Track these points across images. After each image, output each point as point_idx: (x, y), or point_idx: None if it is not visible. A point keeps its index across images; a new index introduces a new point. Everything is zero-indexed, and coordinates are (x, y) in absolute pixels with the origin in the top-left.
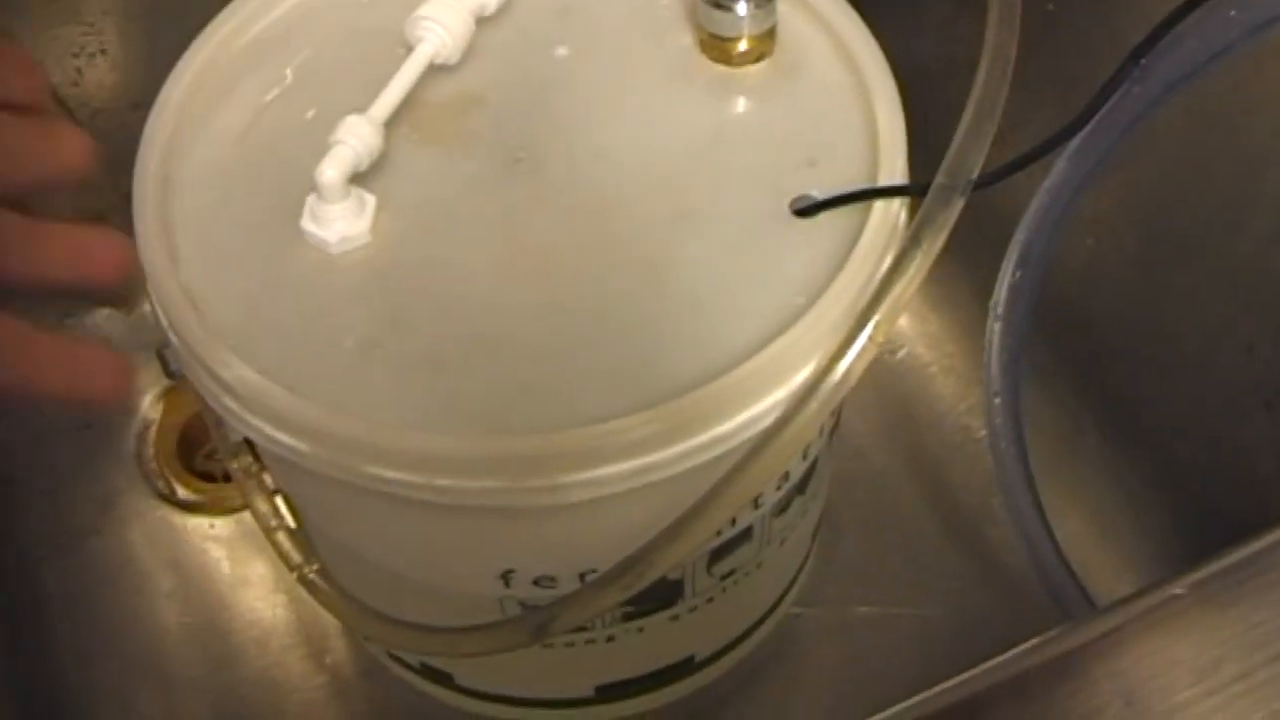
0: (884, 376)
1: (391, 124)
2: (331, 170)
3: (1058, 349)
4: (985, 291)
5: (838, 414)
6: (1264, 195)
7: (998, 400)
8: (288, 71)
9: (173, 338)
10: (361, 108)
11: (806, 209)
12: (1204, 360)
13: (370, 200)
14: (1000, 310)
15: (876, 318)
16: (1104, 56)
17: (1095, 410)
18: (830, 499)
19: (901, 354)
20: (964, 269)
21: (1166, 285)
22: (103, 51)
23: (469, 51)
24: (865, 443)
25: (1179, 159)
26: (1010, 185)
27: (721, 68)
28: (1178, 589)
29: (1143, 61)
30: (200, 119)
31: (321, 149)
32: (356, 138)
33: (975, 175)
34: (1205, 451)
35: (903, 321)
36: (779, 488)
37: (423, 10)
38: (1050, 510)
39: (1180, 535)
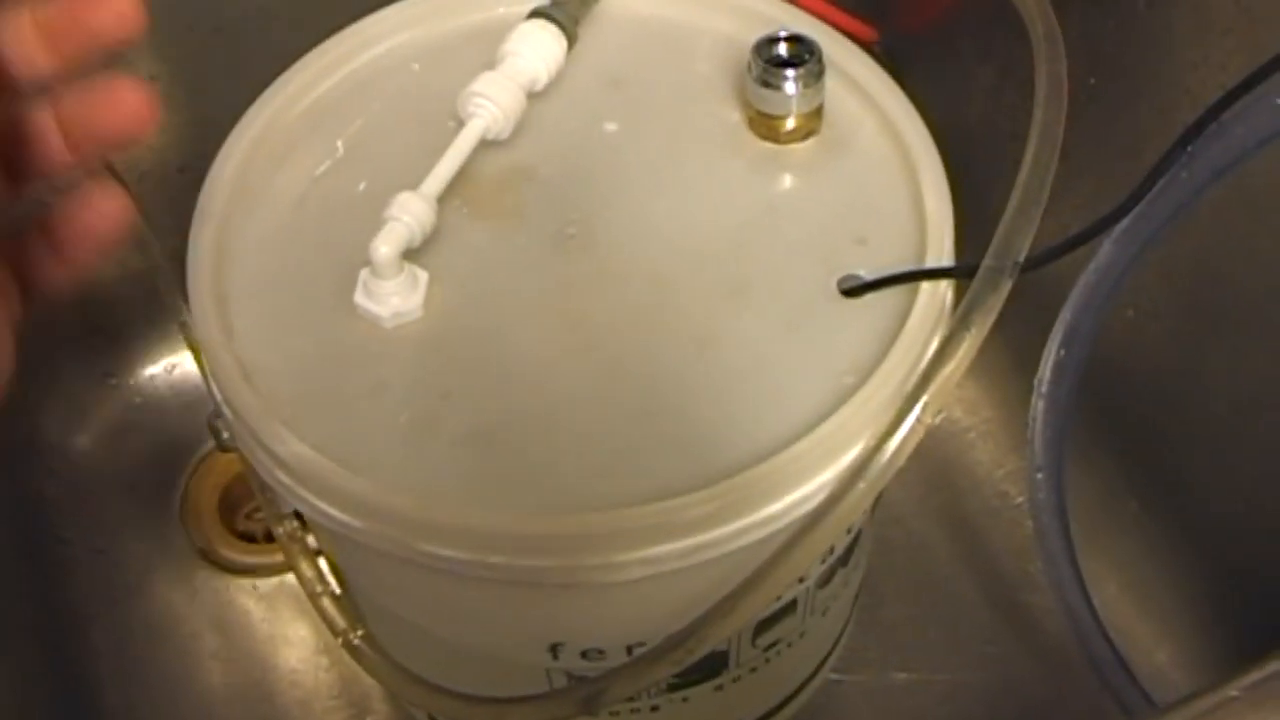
0: (922, 442)
1: (444, 199)
2: (385, 247)
3: (1097, 416)
4: (1023, 357)
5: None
6: None
7: (1040, 475)
8: (339, 144)
9: (226, 410)
10: (413, 182)
11: (855, 289)
12: (1241, 431)
13: (423, 276)
14: (1045, 388)
15: (924, 399)
16: (1147, 132)
17: (1134, 478)
18: (869, 565)
19: (939, 419)
20: (1001, 335)
21: (1205, 357)
22: None
23: (520, 126)
24: (904, 509)
25: (1221, 236)
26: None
27: (769, 144)
28: (1233, 690)
29: (1190, 149)
30: (255, 190)
31: (374, 223)
32: (410, 214)
33: (1022, 258)
34: (1243, 521)
35: None
36: (823, 561)
37: (476, 86)
38: (1089, 576)
39: (1218, 604)
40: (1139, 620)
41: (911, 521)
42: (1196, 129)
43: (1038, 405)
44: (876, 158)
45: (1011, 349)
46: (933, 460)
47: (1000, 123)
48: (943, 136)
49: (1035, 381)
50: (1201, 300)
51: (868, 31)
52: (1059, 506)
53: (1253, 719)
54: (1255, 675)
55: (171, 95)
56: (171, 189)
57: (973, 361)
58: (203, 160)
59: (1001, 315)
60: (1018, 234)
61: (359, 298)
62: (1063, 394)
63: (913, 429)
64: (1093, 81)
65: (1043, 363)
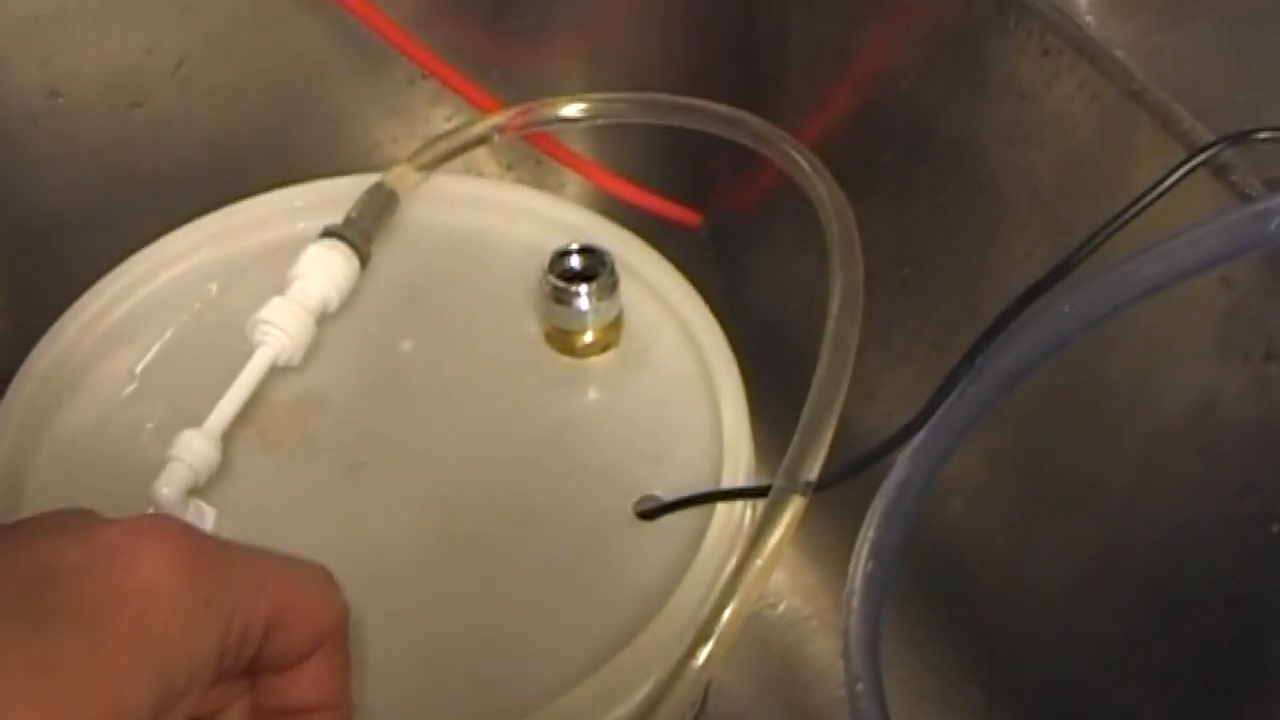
0: (763, 632)
1: (236, 429)
2: (167, 488)
3: (935, 607)
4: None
5: (704, 697)
6: (1122, 460)
7: (860, 687)
8: (137, 370)
9: None
10: (205, 412)
11: (648, 512)
12: (1075, 614)
13: (210, 513)
14: (856, 602)
15: (716, 633)
16: (956, 323)
17: (976, 666)
18: None
19: (781, 609)
20: (836, 519)
21: (1034, 541)
22: None
23: (314, 349)
24: (747, 703)
25: (1036, 427)
26: (878, 427)
27: (568, 359)
28: None
29: (977, 362)
30: (46, 422)
31: (163, 460)
32: (193, 454)
33: (814, 476)
34: (1085, 701)
35: (780, 576)
36: None
37: (263, 314)
38: None
39: None
40: None
41: (754, 717)
42: (983, 341)
43: (850, 620)
44: (675, 371)
45: (848, 534)
46: (774, 651)
47: (822, 308)
48: (768, 320)
49: (845, 595)
50: (1025, 487)
51: (692, 216)
52: (883, 717)
53: None
54: None
55: None
56: None
57: (811, 548)
58: None
59: (836, 499)
60: (808, 453)
61: None
62: (873, 607)
63: (705, 662)
64: (906, 272)
65: (850, 576)
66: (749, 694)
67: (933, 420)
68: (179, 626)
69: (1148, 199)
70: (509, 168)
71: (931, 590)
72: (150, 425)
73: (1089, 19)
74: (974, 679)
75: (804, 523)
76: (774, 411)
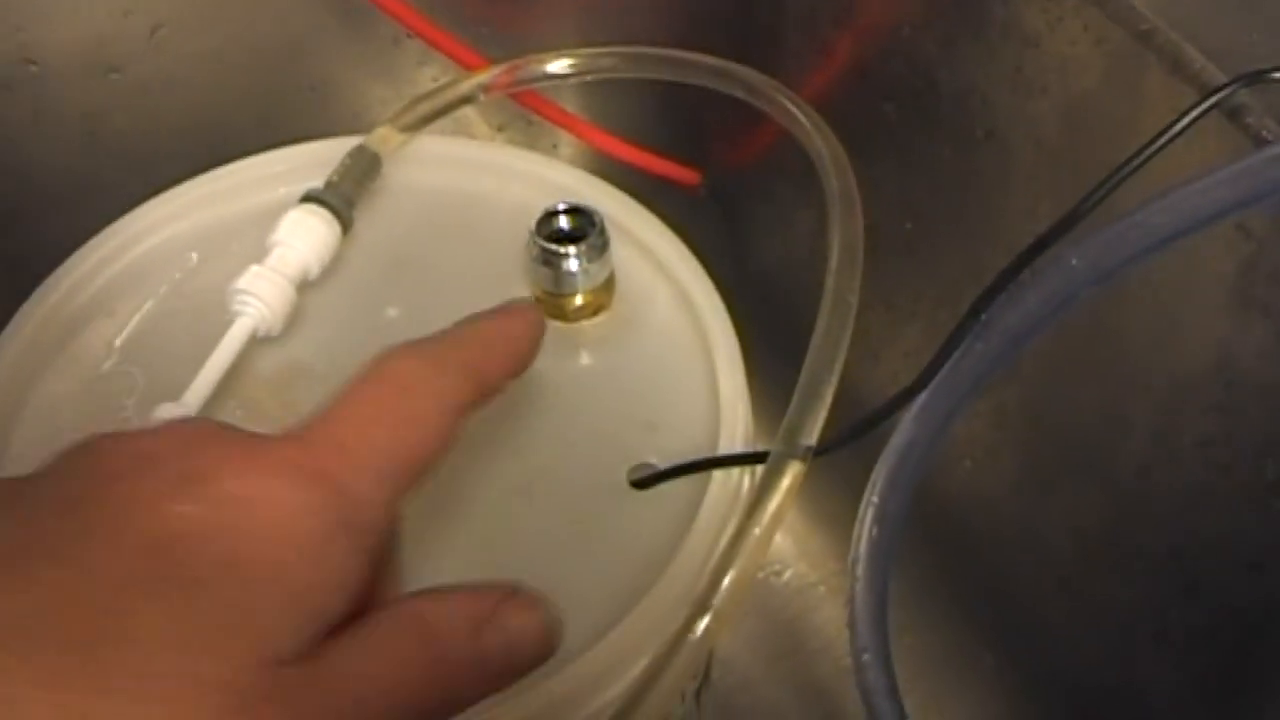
0: (770, 600)
1: (218, 401)
2: None
3: (943, 573)
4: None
5: (707, 668)
6: (1135, 420)
7: (867, 656)
8: (116, 343)
9: None
10: (185, 385)
11: (643, 481)
12: (1088, 580)
13: None
14: (860, 569)
15: (715, 604)
16: (961, 280)
17: (987, 631)
18: None
19: (787, 575)
20: (844, 480)
21: (1045, 502)
22: None
23: (297, 317)
24: (752, 673)
25: (1046, 386)
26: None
27: (559, 323)
28: None
29: (983, 317)
30: (28, 389)
31: None
32: None
33: (814, 441)
34: (1100, 669)
35: (785, 541)
36: None
37: (240, 283)
38: None
39: None
40: None
41: (762, 688)
42: (987, 296)
43: (855, 588)
44: (669, 333)
45: (852, 495)
46: (780, 619)
47: (825, 265)
48: (770, 279)
49: (849, 562)
50: (1035, 447)
51: (691, 175)
52: (890, 687)
53: None
54: None
55: None
56: None
57: (815, 514)
58: None
59: (843, 460)
60: (807, 416)
61: None
62: (878, 574)
63: (704, 635)
64: (909, 227)
65: (854, 543)
66: (754, 664)
67: (936, 380)
68: (321, 569)
69: (1157, 145)
70: (500, 129)
71: (941, 555)
72: (130, 400)
73: None
74: (986, 646)
75: (807, 486)
76: (777, 372)
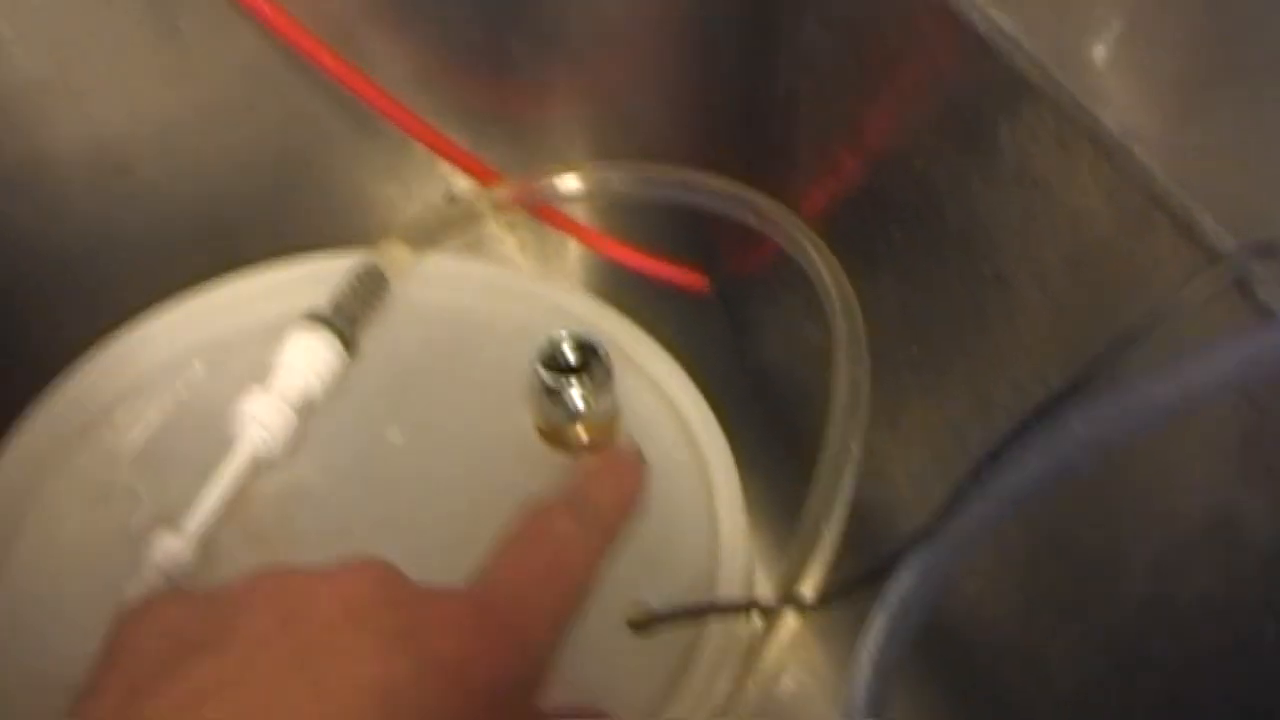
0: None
1: (219, 523)
2: (135, 594)
3: (943, 693)
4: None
5: None
6: (1133, 569)
7: None
8: (119, 455)
9: None
10: (187, 503)
11: (640, 624)
12: (1085, 713)
13: None
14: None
15: None
16: (966, 411)
17: None
18: None
19: (787, 683)
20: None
21: (1049, 643)
22: None
23: (300, 437)
24: None
25: (1047, 532)
26: (889, 505)
27: (563, 456)
28: None
29: (984, 478)
30: (27, 507)
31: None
32: (166, 557)
33: (811, 592)
34: None
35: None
36: None
37: (244, 406)
38: None
39: None
40: None
41: None
42: (991, 459)
43: None
44: (673, 471)
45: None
46: None
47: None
48: (777, 385)
49: (844, 710)
50: (1038, 585)
51: (698, 281)
52: None
53: None
54: None
55: None
56: None
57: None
58: None
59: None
60: (806, 566)
61: None
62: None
63: None
64: (914, 350)
65: (851, 694)
66: None
67: (935, 535)
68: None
69: (1163, 313)
70: (511, 227)
71: (942, 678)
72: (134, 519)
73: (1107, 109)
74: None
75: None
76: (784, 482)
